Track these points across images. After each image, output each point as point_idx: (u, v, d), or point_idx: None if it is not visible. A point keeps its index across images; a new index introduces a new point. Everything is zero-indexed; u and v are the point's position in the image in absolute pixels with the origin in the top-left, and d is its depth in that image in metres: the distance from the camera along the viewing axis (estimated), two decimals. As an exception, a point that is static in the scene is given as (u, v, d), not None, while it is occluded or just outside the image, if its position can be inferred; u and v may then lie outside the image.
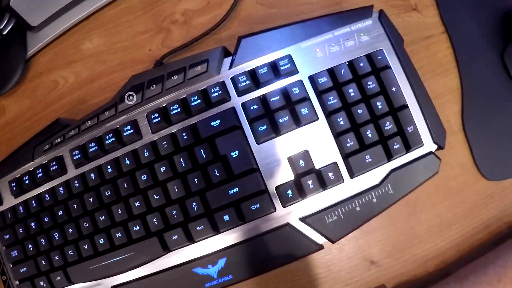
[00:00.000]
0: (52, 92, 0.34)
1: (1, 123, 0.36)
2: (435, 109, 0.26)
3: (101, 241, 0.28)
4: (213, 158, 0.26)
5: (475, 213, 0.29)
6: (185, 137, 0.26)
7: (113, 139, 0.27)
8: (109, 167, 0.27)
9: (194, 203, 0.26)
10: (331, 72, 0.26)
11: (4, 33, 0.34)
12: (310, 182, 0.25)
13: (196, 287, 0.27)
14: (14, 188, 0.31)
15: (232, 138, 0.26)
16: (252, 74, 0.26)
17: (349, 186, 0.26)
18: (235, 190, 0.26)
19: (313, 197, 0.26)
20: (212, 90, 0.26)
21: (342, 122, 0.26)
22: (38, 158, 0.30)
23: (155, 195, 0.26)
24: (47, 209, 0.30)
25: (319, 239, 0.26)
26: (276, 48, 0.26)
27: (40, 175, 0.30)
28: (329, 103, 0.26)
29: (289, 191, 0.25)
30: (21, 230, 0.31)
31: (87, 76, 0.33)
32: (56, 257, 0.29)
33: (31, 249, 0.30)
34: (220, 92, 0.26)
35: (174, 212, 0.26)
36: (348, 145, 0.25)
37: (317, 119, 0.26)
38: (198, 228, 0.26)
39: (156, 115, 0.27)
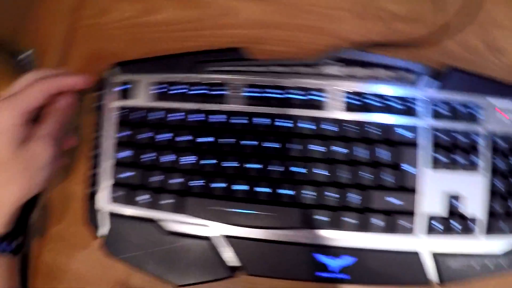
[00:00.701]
0: (225, 17, 0.32)
1: (153, 21, 0.34)
2: None
3: (241, 187, 0.26)
4: (390, 163, 0.26)
5: None
6: (374, 131, 0.26)
7: (300, 97, 0.26)
8: (285, 121, 0.26)
9: (354, 195, 0.26)
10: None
11: None
12: (457, 224, 0.27)
13: (306, 271, 0.26)
14: (157, 91, 0.28)
15: (412, 154, 0.26)
16: (451, 106, 0.27)
17: (482, 244, 0.27)
18: (394, 200, 0.26)
19: (452, 239, 0.27)
20: (415, 102, 0.27)
21: (501, 186, 0.27)
22: (195, 74, 0.28)
23: (319, 170, 0.26)
24: (188, 129, 0.27)
25: (434, 277, 0.27)
26: (475, 94, 0.28)
27: (193, 91, 0.27)
28: (499, 164, 0.28)
29: (438, 225, 0.26)
30: (145, 135, 0.28)
31: (271, 19, 0.31)
32: (176, 180, 0.27)
33: (150, 159, 0.28)
34: (420, 108, 0.27)
35: (333, 194, 0.26)
36: (497, 208, 0.27)
37: (483, 173, 0.27)
38: (347, 219, 0.26)
39: (355, 97, 0.26)
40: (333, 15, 0.31)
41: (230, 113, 0.27)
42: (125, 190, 0.28)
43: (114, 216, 0.29)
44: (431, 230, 0.26)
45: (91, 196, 0.30)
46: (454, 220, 0.26)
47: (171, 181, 0.27)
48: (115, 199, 0.29)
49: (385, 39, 0.30)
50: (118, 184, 0.28)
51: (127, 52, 0.34)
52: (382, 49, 0.30)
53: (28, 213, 0.30)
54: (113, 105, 0.29)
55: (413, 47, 0.30)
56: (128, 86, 0.29)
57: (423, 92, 0.27)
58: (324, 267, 0.27)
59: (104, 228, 0.29)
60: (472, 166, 0.26)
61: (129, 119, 0.29)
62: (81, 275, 0.32)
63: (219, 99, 0.28)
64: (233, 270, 0.27)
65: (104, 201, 0.29)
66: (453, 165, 0.26)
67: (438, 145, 0.27)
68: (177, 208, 0.27)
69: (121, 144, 0.29)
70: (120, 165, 0.29)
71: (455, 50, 0.31)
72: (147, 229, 0.28)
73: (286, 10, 0.32)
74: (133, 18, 0.35)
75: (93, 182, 0.30)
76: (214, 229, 0.27)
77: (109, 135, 0.29)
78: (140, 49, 0.33)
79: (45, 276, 0.33)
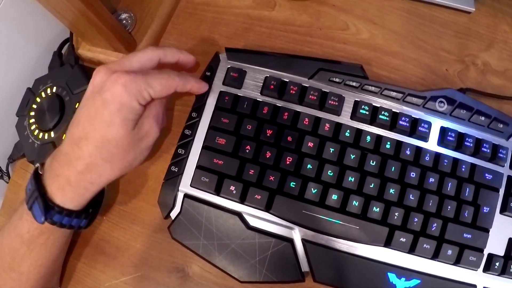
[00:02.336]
0: (338, 31, 0.33)
1: (265, 15, 0.34)
2: None
3: (334, 197, 0.27)
4: (471, 200, 0.28)
5: None
6: (463, 169, 0.28)
7: (407, 124, 0.28)
8: (388, 142, 0.28)
9: (435, 224, 0.28)
10: None
11: None
12: None
13: (374, 287, 0.28)
14: (271, 86, 0.28)
15: (489, 196, 0.29)
16: None
17: None
18: (468, 236, 0.28)
19: (505, 279, 0.29)
20: (500, 150, 0.29)
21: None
22: (316, 81, 0.29)
23: (411, 195, 0.27)
24: (296, 131, 0.28)
25: None
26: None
27: (311, 96, 0.28)
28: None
29: (496, 263, 0.29)
30: (248, 127, 0.28)
31: (381, 44, 0.33)
32: (271, 178, 0.27)
33: (247, 151, 0.28)
34: (504, 156, 0.29)
35: (416, 219, 0.27)
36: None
37: None
38: (424, 245, 0.27)
39: (453, 134, 0.28)
40: (437, 54, 0.33)
41: (340, 125, 0.28)
42: (212, 177, 0.28)
43: (191, 200, 0.29)
44: (491, 267, 0.28)
45: (171, 176, 0.29)
46: (511, 262, 0.28)
47: (265, 177, 0.27)
48: (198, 184, 0.28)
49: (477, 85, 0.32)
50: (205, 169, 0.28)
51: (234, 40, 0.34)
52: (474, 95, 0.32)
53: (103, 190, 0.29)
54: (218, 89, 0.29)
55: (501, 100, 0.33)
56: (238, 74, 0.29)
57: (509, 144, 0.30)
58: (392, 287, 0.28)
59: (175, 211, 0.29)
60: None
61: (235, 107, 0.29)
62: (136, 253, 0.31)
63: (333, 109, 0.28)
64: (303, 275, 0.28)
65: (185, 184, 0.29)
66: None
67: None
68: (266, 205, 0.27)
69: (220, 130, 0.28)
70: (212, 150, 0.28)
71: None
72: (227, 220, 0.28)
73: (398, 39, 0.33)
74: (247, 8, 0.35)
75: (177, 162, 0.29)
76: (297, 232, 0.28)
77: (207, 118, 0.29)
78: (248, 40, 0.34)
79: (95, 247, 0.32)
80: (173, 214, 0.29)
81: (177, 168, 0.29)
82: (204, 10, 0.35)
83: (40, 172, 0.26)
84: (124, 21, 0.34)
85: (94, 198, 0.27)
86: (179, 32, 0.35)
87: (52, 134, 0.33)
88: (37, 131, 0.34)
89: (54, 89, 0.34)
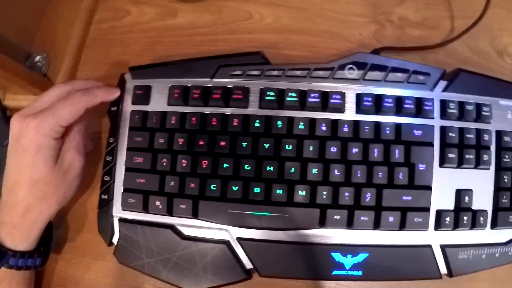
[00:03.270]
0: (242, 22, 0.33)
1: (169, 25, 0.34)
2: None
3: (257, 190, 0.27)
4: (403, 161, 0.27)
5: None
6: (387, 132, 0.27)
7: (317, 100, 0.27)
8: (301, 123, 0.27)
9: (369, 194, 0.27)
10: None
11: None
12: (465, 218, 0.28)
13: (323, 270, 0.27)
14: (175, 95, 0.28)
15: (423, 153, 0.28)
16: (460, 106, 0.28)
17: (487, 235, 0.29)
18: (408, 198, 0.27)
19: (460, 231, 0.28)
20: (425, 103, 0.28)
21: (506, 180, 0.29)
22: (219, 79, 0.29)
23: (335, 170, 0.27)
24: (206, 133, 0.28)
25: (443, 269, 0.28)
26: (482, 94, 0.29)
27: (215, 96, 0.28)
28: (504, 160, 0.29)
29: (447, 219, 0.27)
30: (160, 140, 0.28)
31: (288, 25, 0.32)
32: (191, 184, 0.27)
33: (163, 164, 0.28)
34: (431, 108, 0.28)
35: (347, 194, 0.27)
36: (502, 201, 0.29)
37: (489, 168, 0.29)
38: (362, 218, 0.27)
39: (369, 99, 0.27)
40: (349, 20, 0.32)
41: (249, 117, 0.28)
42: (137, 197, 0.28)
43: (125, 223, 0.29)
44: (442, 224, 0.27)
45: (103, 204, 0.30)
46: (463, 213, 0.27)
47: (185, 186, 0.28)
48: (127, 206, 0.29)
49: (396, 41, 0.31)
50: (130, 191, 0.29)
51: (144, 56, 0.34)
52: (394, 53, 0.31)
53: (50, 227, 0.31)
54: (128, 110, 0.30)
55: (423, 51, 0.32)
56: (143, 91, 0.29)
57: (435, 94, 0.28)
58: (341, 266, 0.27)
59: (116, 236, 0.30)
60: (480, 163, 0.28)
61: (145, 124, 0.29)
62: (93, 285, 0.32)
63: (239, 103, 0.28)
64: (249, 272, 0.28)
65: (117, 209, 0.29)
66: (462, 162, 0.28)
67: (449, 144, 0.28)
68: (192, 213, 0.28)
69: (136, 150, 0.29)
70: (133, 171, 0.29)
71: (465, 53, 0.32)
72: (161, 235, 0.28)
73: (303, 15, 0.33)
74: (150, 21, 0.35)
75: (105, 189, 0.30)
76: (230, 232, 0.28)
77: (123, 140, 0.29)
78: (157, 53, 0.34)
79: (55, 285, 0.33)
80: (115, 240, 0.30)
81: (107, 195, 0.30)
82: (111, 33, 0.36)
83: None
84: (38, 63, 0.35)
85: (43, 236, 0.29)
86: (93, 61, 0.35)
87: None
88: None
89: None
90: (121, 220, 0.29)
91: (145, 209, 0.28)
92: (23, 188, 0.27)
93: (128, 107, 0.30)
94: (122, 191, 0.29)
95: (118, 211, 0.29)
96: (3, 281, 0.28)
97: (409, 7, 0.33)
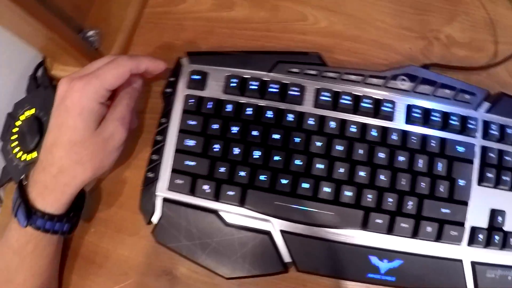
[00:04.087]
0: (296, 22, 0.35)
1: (224, 17, 0.36)
2: None
3: (305, 185, 0.28)
4: (445, 175, 0.29)
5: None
6: (433, 144, 0.29)
7: (370, 105, 0.29)
8: (353, 126, 0.29)
9: (411, 202, 0.28)
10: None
11: None
12: (496, 237, 0.29)
13: (358, 272, 0.29)
14: (232, 84, 0.30)
15: (464, 169, 0.29)
16: (501, 128, 0.30)
17: None
18: (447, 211, 0.29)
19: (491, 250, 0.30)
20: (469, 121, 0.30)
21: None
22: (276, 74, 0.30)
23: (382, 176, 0.28)
24: (261, 125, 0.29)
25: (470, 285, 0.29)
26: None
27: (271, 89, 0.29)
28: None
29: (480, 236, 0.29)
30: (214, 126, 0.29)
31: (340, 31, 0.34)
32: (242, 173, 0.29)
33: (215, 150, 0.29)
34: (474, 127, 0.30)
35: (391, 199, 0.28)
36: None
37: None
38: (402, 224, 0.28)
39: (419, 111, 0.29)
40: (398, 33, 0.34)
41: (303, 114, 0.29)
42: (186, 179, 0.29)
43: (169, 203, 0.30)
44: (475, 240, 0.29)
45: (148, 182, 0.31)
46: (495, 233, 0.29)
47: (235, 174, 0.29)
48: (173, 187, 0.30)
49: (443, 61, 0.33)
50: (178, 172, 0.30)
51: (197, 44, 0.35)
52: (440, 70, 0.33)
53: (83, 195, 0.31)
54: (184, 93, 0.31)
55: (467, 71, 0.34)
56: (201, 76, 0.31)
57: (478, 114, 0.30)
58: (376, 270, 0.29)
59: (156, 216, 0.31)
60: None
61: (200, 109, 0.30)
62: (125, 261, 0.33)
63: (295, 99, 0.30)
64: (286, 266, 0.29)
65: (162, 188, 0.30)
66: (498, 183, 0.29)
67: (488, 164, 0.30)
68: (239, 200, 0.29)
69: (188, 133, 0.30)
70: (184, 153, 0.30)
71: (505, 77, 0.34)
72: (204, 219, 0.29)
73: (356, 23, 0.35)
74: (206, 11, 0.36)
75: (152, 168, 0.31)
76: (273, 224, 0.29)
77: (176, 122, 0.31)
78: (210, 43, 0.35)
79: (85, 258, 0.33)
80: (155, 219, 0.31)
81: (153, 174, 0.31)
82: (165, 18, 0.37)
83: (24, 183, 0.29)
84: (91, 38, 0.36)
85: (74, 203, 0.29)
86: (145, 43, 0.37)
87: (35, 154, 0.35)
88: (20, 153, 0.36)
89: (32, 111, 0.36)
90: (165, 200, 0.30)
91: (192, 192, 0.29)
92: (60, 149, 0.27)
93: (183, 91, 0.31)
94: (170, 171, 0.30)
95: (163, 191, 0.30)
96: (29, 243, 0.28)
97: (456, 28, 0.35)
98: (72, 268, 0.34)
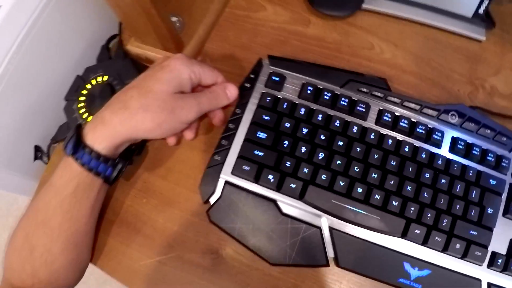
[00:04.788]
0: (364, 49, 0.41)
1: (300, 31, 0.42)
2: None
3: (359, 190, 0.33)
4: (477, 202, 0.35)
5: None
6: (470, 174, 0.35)
7: (423, 131, 0.35)
8: (407, 147, 0.34)
9: (446, 220, 0.34)
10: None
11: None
12: None
13: (392, 275, 0.33)
14: (308, 91, 0.35)
15: (493, 199, 0.35)
16: None
17: None
18: (474, 233, 0.34)
19: (507, 276, 0.35)
20: (503, 160, 0.36)
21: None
22: (346, 90, 0.36)
23: (425, 193, 0.34)
24: (328, 131, 0.35)
25: None
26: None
27: (341, 103, 0.35)
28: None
29: (499, 260, 0.35)
30: (286, 125, 0.34)
31: (401, 64, 0.40)
32: (305, 170, 0.34)
33: (284, 145, 0.34)
34: (507, 166, 0.36)
35: (429, 214, 0.33)
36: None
37: None
38: (435, 238, 0.33)
39: (462, 143, 0.35)
40: (450, 76, 0.41)
41: (366, 129, 0.35)
42: (252, 166, 0.34)
43: (230, 186, 0.34)
44: (494, 263, 0.34)
45: (213, 164, 0.35)
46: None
47: (300, 169, 0.34)
48: (238, 172, 0.34)
49: (485, 105, 0.40)
50: (245, 159, 0.34)
51: (271, 50, 0.41)
52: (484, 114, 0.39)
53: (132, 152, 0.35)
54: (262, 90, 0.36)
55: (506, 119, 0.40)
56: (279, 79, 0.36)
57: (511, 155, 0.36)
58: (407, 276, 0.34)
59: (215, 196, 0.35)
60: None
61: (275, 107, 0.35)
62: (172, 234, 0.36)
63: (360, 115, 0.35)
64: (327, 260, 0.34)
65: (226, 172, 0.35)
66: None
67: None
68: (299, 194, 0.33)
69: (261, 126, 0.35)
70: (253, 143, 0.35)
71: None
72: (263, 206, 0.34)
73: (415, 60, 0.41)
74: (283, 23, 0.42)
75: (220, 152, 0.35)
76: (325, 220, 0.34)
77: (249, 115, 0.36)
78: (284, 51, 0.41)
79: (132, 227, 0.37)
80: (213, 199, 0.35)
81: (220, 157, 0.35)
82: (245, 21, 0.43)
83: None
84: (177, 24, 0.41)
85: (122, 155, 0.33)
86: (222, 39, 0.42)
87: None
88: (86, 114, 0.39)
89: (105, 78, 0.40)
90: (227, 182, 0.34)
91: (256, 179, 0.34)
92: (135, 90, 0.31)
93: (261, 88, 0.36)
94: (237, 157, 0.34)
95: (226, 174, 0.34)
96: (71, 181, 0.31)
97: (501, 80, 0.41)
98: (116, 235, 0.37)
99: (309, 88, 0.35)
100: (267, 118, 0.35)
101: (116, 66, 0.41)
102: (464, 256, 0.34)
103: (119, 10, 0.37)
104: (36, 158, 0.44)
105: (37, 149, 0.44)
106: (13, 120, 0.40)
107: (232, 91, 0.34)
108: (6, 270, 0.33)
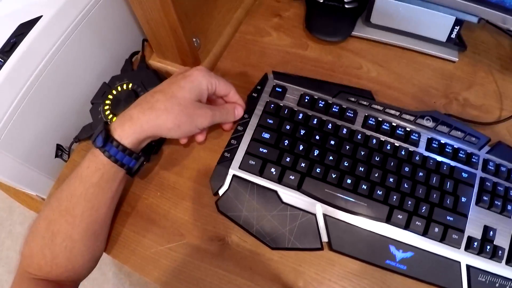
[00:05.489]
0: (354, 69, 0.51)
1: (299, 53, 0.52)
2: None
3: (349, 181, 0.41)
4: (451, 191, 0.42)
5: None
6: (444, 168, 0.43)
7: (402, 133, 0.43)
8: (389, 145, 0.43)
9: (424, 207, 0.41)
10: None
11: (347, 6, 0.52)
12: (488, 247, 0.41)
13: (379, 257, 0.40)
14: (305, 100, 0.44)
15: (466, 190, 0.42)
16: (496, 166, 0.44)
17: (502, 269, 0.41)
18: (451, 218, 0.41)
19: (483, 258, 0.41)
20: (473, 157, 0.43)
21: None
22: (338, 99, 0.45)
23: (405, 184, 0.41)
24: (322, 132, 0.43)
25: (465, 285, 0.41)
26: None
27: (333, 110, 0.44)
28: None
29: (475, 243, 0.41)
30: (287, 127, 0.43)
31: (386, 81, 0.50)
32: (303, 164, 0.42)
33: (285, 144, 0.43)
34: (476, 161, 0.44)
35: (410, 202, 0.41)
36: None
37: (510, 217, 0.43)
38: (416, 223, 0.40)
39: (436, 143, 0.43)
40: (428, 90, 0.49)
41: (354, 131, 0.43)
42: (257, 161, 0.42)
43: (238, 179, 0.42)
44: (470, 246, 0.41)
45: (223, 160, 0.43)
46: (486, 243, 0.41)
47: (298, 164, 0.42)
48: (245, 166, 0.42)
49: (458, 114, 0.48)
50: (251, 155, 0.43)
51: (276, 68, 0.50)
52: (457, 120, 0.47)
53: (153, 148, 0.43)
54: (266, 99, 0.45)
55: (477, 125, 0.48)
56: (281, 90, 0.45)
57: (480, 153, 0.44)
58: (392, 257, 0.41)
59: (224, 188, 0.43)
60: (504, 211, 0.42)
61: (278, 113, 0.44)
62: (183, 223, 0.43)
63: (349, 119, 0.44)
64: (321, 244, 0.41)
65: (234, 167, 0.43)
66: (491, 206, 0.42)
67: (484, 190, 0.43)
68: (297, 184, 0.41)
69: (265, 128, 0.43)
70: (259, 142, 0.43)
71: (505, 135, 0.49)
72: (266, 195, 0.42)
73: (398, 78, 0.50)
74: (286, 46, 0.52)
75: (229, 149, 0.44)
76: (319, 208, 0.41)
77: (256, 119, 0.45)
78: (285, 69, 0.50)
79: (146, 218, 0.43)
80: (221, 191, 0.43)
81: (229, 154, 0.43)
82: (253, 44, 0.53)
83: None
84: (195, 43, 0.51)
85: (144, 149, 0.39)
86: (233, 59, 0.52)
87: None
88: (111, 115, 0.46)
89: (130, 85, 0.48)
90: (235, 176, 0.43)
91: (260, 172, 0.42)
92: (162, 94, 0.36)
93: (266, 98, 0.45)
94: (244, 154, 0.43)
95: (234, 169, 0.43)
96: (97, 171, 0.35)
97: (472, 93, 0.50)
98: (130, 225, 0.43)
99: (306, 97, 0.44)
100: (271, 121, 0.44)
101: (140, 76, 0.49)
102: (442, 239, 0.41)
103: (148, 27, 0.45)
104: (56, 155, 0.50)
105: (59, 147, 0.50)
106: (41, 119, 0.47)
107: (239, 112, 0.44)
108: (24, 258, 0.36)
